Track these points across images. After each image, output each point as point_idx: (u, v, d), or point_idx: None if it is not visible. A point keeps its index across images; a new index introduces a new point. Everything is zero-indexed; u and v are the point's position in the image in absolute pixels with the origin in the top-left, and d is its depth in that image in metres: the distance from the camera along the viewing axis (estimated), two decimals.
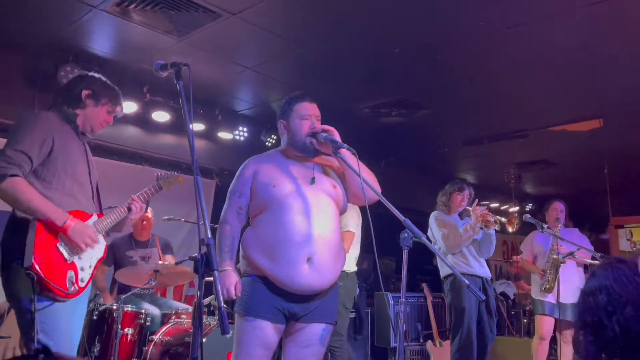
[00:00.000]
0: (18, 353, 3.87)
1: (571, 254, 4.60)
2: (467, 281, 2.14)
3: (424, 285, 6.48)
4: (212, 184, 6.26)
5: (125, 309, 3.86)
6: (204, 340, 3.20)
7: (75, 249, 2.35)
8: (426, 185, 8.29)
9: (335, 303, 2.57)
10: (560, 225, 4.87)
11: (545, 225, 4.63)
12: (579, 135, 6.08)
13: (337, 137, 2.45)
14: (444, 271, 4.49)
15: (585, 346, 1.39)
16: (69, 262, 2.33)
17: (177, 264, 4.27)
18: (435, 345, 5.87)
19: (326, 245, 2.38)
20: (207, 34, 4.11)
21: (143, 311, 3.96)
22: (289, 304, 2.37)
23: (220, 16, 3.84)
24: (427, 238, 2.52)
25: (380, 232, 2.28)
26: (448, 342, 5.62)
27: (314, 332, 2.43)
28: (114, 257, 4.50)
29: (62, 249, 2.32)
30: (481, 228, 4.27)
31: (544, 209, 5.09)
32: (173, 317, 4.07)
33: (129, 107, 5.08)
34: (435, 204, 4.71)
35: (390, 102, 5.49)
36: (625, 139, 6.21)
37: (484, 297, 3.28)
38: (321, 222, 2.39)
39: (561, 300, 4.58)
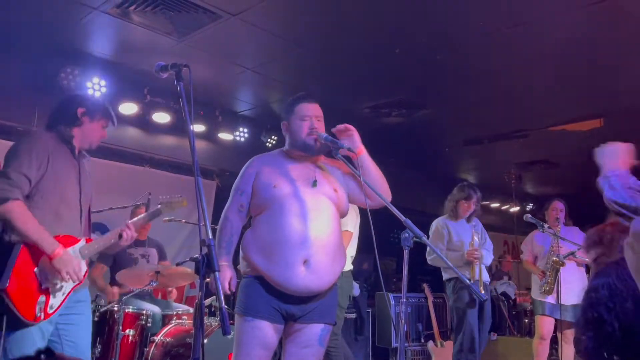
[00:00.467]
0: None
1: (572, 253, 4.61)
2: (468, 282, 2.15)
3: (424, 285, 6.48)
4: (212, 184, 6.26)
5: (127, 310, 3.86)
6: (205, 341, 3.20)
7: (55, 277, 2.37)
8: (427, 186, 8.31)
9: (335, 303, 2.58)
10: (560, 224, 4.87)
11: (545, 225, 4.64)
12: (579, 135, 6.08)
13: (357, 137, 2.57)
14: (445, 275, 4.54)
15: (586, 343, 1.39)
16: (42, 287, 2.35)
17: (178, 264, 4.27)
18: (436, 345, 5.86)
19: (323, 247, 2.38)
20: (207, 35, 4.12)
21: (144, 312, 3.96)
22: (286, 304, 2.38)
23: (220, 17, 3.84)
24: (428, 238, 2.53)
25: (380, 232, 2.28)
26: (449, 342, 5.63)
27: (313, 333, 2.44)
28: (114, 256, 4.48)
29: (39, 275, 2.34)
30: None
31: (544, 208, 5.09)
32: (174, 318, 4.08)
33: (130, 108, 5.09)
34: (435, 205, 4.74)
35: (390, 103, 5.50)
36: (625, 138, 6.20)
37: (485, 297, 3.29)
38: (319, 225, 2.39)
39: (562, 301, 4.59)
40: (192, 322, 3.95)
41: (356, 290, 5.70)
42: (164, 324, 4.08)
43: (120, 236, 2.65)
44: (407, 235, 2.13)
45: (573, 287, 4.66)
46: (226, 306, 1.51)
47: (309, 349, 2.43)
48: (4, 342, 2.24)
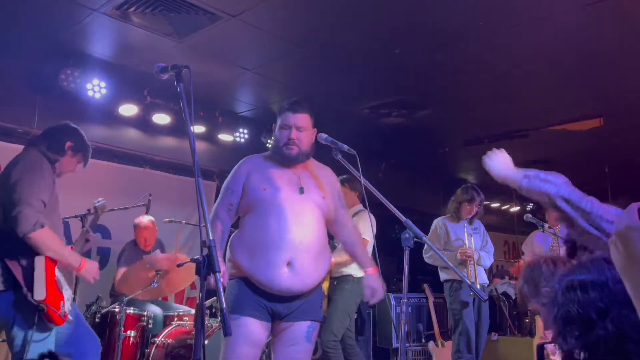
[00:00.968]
0: None
1: None
2: (468, 281, 2.15)
3: (425, 285, 6.48)
4: (213, 185, 6.25)
5: (128, 312, 3.86)
6: (206, 342, 3.20)
7: (66, 282, 2.67)
8: (427, 186, 8.31)
9: (320, 301, 2.66)
10: (560, 224, 4.87)
11: (546, 225, 4.64)
12: (579, 135, 6.08)
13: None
14: (442, 275, 4.58)
15: (565, 339, 1.34)
16: (60, 293, 2.58)
17: (178, 266, 4.27)
18: (437, 345, 5.86)
19: (307, 251, 2.47)
20: (207, 36, 4.12)
21: (145, 313, 3.96)
22: (271, 303, 2.45)
23: (220, 18, 3.85)
24: None
25: (380, 232, 2.29)
26: (450, 342, 5.62)
27: (300, 330, 2.51)
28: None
29: (59, 281, 2.60)
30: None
31: (544, 208, 5.08)
32: (175, 319, 4.08)
33: (130, 109, 5.09)
34: (435, 205, 4.77)
35: (390, 103, 5.50)
36: (625, 138, 6.21)
37: (486, 297, 3.31)
38: (303, 229, 2.48)
39: None
40: (193, 323, 3.95)
41: None
42: (165, 325, 4.09)
43: (88, 240, 3.00)
44: (407, 235, 2.13)
45: None
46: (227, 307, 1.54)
47: (297, 346, 2.50)
48: (31, 339, 2.45)
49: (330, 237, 4.44)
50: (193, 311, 4.26)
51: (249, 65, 4.72)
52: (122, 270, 4.27)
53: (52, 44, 4.40)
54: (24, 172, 2.56)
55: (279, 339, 2.52)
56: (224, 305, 1.55)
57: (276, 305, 2.46)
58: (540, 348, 2.57)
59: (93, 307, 3.88)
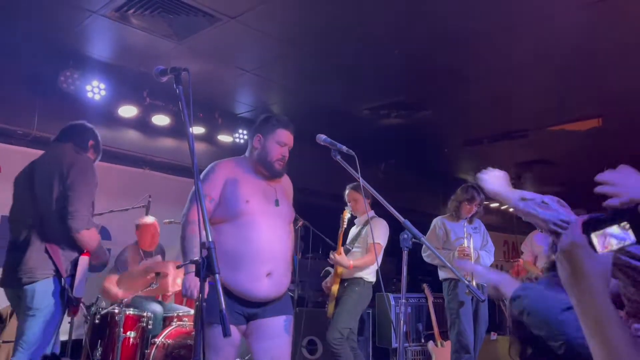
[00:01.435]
0: None
1: None
2: (467, 282, 2.16)
3: (424, 285, 6.47)
4: None
5: (127, 312, 3.86)
6: None
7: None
8: (427, 186, 8.32)
9: (289, 299, 2.78)
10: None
11: None
12: (579, 135, 6.08)
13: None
14: (441, 274, 4.59)
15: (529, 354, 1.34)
16: None
17: (178, 267, 4.27)
18: (436, 345, 5.86)
19: (283, 261, 2.62)
20: (206, 37, 4.12)
21: (145, 314, 3.97)
22: (248, 308, 2.55)
23: (219, 20, 3.85)
24: None
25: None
26: (449, 342, 5.62)
27: (278, 324, 2.60)
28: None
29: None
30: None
31: None
32: (175, 320, 4.08)
33: (129, 111, 5.10)
34: (435, 205, 4.77)
35: (390, 104, 5.50)
36: (624, 138, 6.21)
37: (483, 298, 3.31)
38: (279, 240, 2.61)
39: None
40: (192, 323, 3.95)
41: None
42: (164, 326, 4.08)
43: None
44: (406, 236, 2.14)
45: None
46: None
47: (277, 338, 2.58)
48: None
49: (345, 241, 4.49)
50: (193, 312, 4.27)
51: (248, 67, 4.72)
52: (114, 277, 4.19)
53: (52, 46, 4.40)
54: (79, 173, 2.78)
55: (257, 336, 2.59)
56: (223, 307, 1.55)
57: (252, 309, 2.56)
58: None
59: (93, 308, 3.88)
